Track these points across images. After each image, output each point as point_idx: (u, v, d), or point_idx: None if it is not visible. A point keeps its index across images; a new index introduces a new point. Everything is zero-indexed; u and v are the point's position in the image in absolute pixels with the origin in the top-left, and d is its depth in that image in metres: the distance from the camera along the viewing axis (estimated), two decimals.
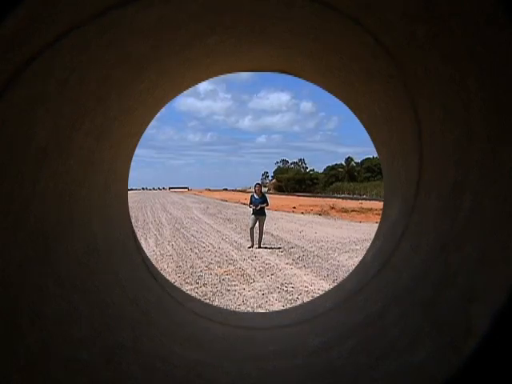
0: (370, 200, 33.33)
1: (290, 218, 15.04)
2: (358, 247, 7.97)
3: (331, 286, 4.88)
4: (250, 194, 8.17)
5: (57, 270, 0.95)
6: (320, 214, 16.71)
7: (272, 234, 9.98)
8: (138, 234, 9.68)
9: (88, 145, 1.13)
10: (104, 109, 1.14)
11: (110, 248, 1.31)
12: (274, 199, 31.01)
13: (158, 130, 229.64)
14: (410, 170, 1.20)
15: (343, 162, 71.65)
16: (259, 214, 7.79)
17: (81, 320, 0.93)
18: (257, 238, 7.89)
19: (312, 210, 19.14)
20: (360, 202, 28.87)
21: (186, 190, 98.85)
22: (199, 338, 1.19)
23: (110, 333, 0.97)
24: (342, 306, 1.28)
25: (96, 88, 1.03)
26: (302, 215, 16.91)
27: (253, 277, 5.37)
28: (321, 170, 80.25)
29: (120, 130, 1.35)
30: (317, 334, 1.17)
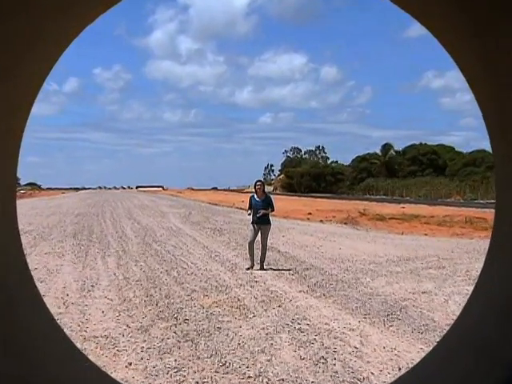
0: (415, 203, 33.50)
1: (304, 229, 15.16)
2: (399, 269, 8.03)
3: (361, 323, 4.88)
4: (249, 196, 8.28)
5: None
6: (346, 223, 16.91)
7: (279, 251, 10.13)
8: (93, 251, 9.74)
9: None
10: None
11: None
12: (281, 202, 31.11)
13: (121, 106, 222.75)
14: None
15: (378, 151, 71.09)
16: (261, 223, 7.90)
17: None
18: (258, 255, 8.06)
19: (335, 216, 19.30)
20: (402, 205, 28.96)
21: (161, 189, 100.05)
22: None
23: None
24: None
25: None
26: (322, 224, 17.09)
27: (253, 310, 5.43)
28: (347, 162, 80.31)
29: None
30: None
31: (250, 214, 8.04)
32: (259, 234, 7.92)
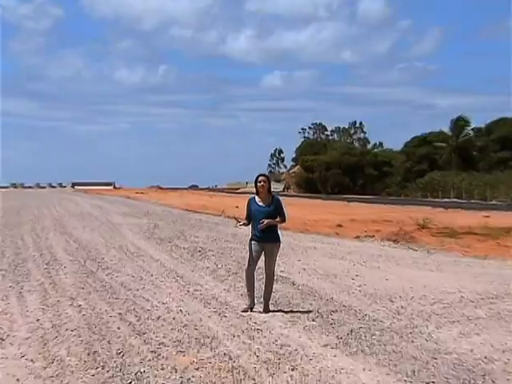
0: (507, 211, 33.00)
1: (331, 249, 15.21)
2: (480, 312, 8.05)
3: None
4: (248, 198, 8.37)
5: None
6: (396, 241, 16.87)
7: (293, 283, 10.12)
8: (2, 285, 9.77)
9: None
10: None
11: None
12: (296, 208, 31.53)
13: (46, 59, 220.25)
14: None
15: (447, 129, 70.07)
16: (266, 241, 7.93)
17: None
18: (261, 289, 8.21)
19: (379, 230, 19.34)
20: (484, 213, 29.08)
21: (111, 188, 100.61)
22: None
23: None
24: None
25: None
26: (358, 242, 17.14)
27: (252, 375, 5.46)
28: (398, 147, 79.49)
29: None
30: None
31: (242, 225, 8.15)
32: (262, 256, 7.99)
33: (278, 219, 7.96)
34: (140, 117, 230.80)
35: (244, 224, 8.11)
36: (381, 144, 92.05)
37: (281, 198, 8.56)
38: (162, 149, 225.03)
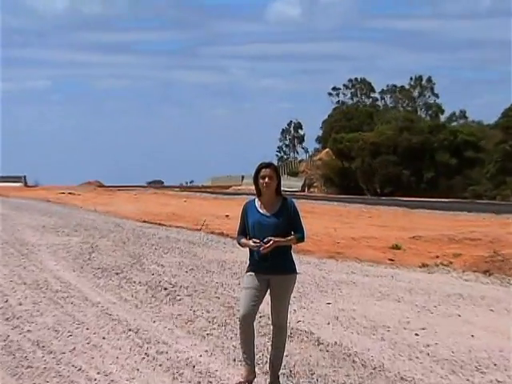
0: None
1: (379, 284, 15.00)
2: None
3: None
4: (244, 203, 8.23)
5: None
6: (487, 271, 16.57)
7: (319, 340, 9.84)
8: None
9: None
10: None
11: None
12: (324, 217, 31.17)
13: None
14: None
15: None
16: (272, 271, 7.71)
17: None
18: (265, 351, 8.48)
19: (459, 255, 18.98)
20: None
21: (21, 185, 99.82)
22: None
23: None
24: None
25: None
26: (424, 273, 16.93)
27: None
28: (491, 119, 76.51)
29: None
30: None
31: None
32: (270, 297, 7.79)
33: (291, 237, 7.69)
34: (68, 69, 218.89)
35: (243, 245, 7.87)
36: (463, 114, 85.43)
37: (297, 201, 8.60)
38: (104, 122, 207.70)
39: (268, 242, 7.39)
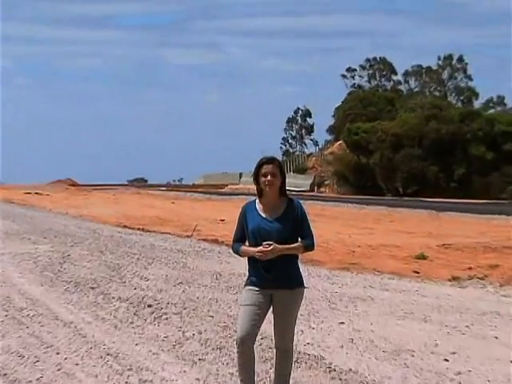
0: None
1: (401, 300, 14.90)
2: None
3: None
4: (243, 205, 8.23)
5: None
6: None
7: (330, 365, 9.73)
8: None
9: None
10: None
11: None
12: (337, 222, 31.31)
13: None
14: None
15: None
16: (275, 285, 7.67)
17: None
18: (268, 379, 8.58)
19: (496, 266, 18.95)
20: None
21: None
22: None
23: None
24: None
25: None
26: (455, 287, 16.88)
27: None
28: None
29: None
30: None
31: (237, 253, 7.93)
32: (269, 314, 7.69)
33: (298, 244, 7.55)
34: (33, 46, 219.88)
35: (242, 255, 7.86)
36: (501, 99, 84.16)
37: (305, 203, 8.44)
38: (78, 109, 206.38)
39: (269, 246, 7.33)
